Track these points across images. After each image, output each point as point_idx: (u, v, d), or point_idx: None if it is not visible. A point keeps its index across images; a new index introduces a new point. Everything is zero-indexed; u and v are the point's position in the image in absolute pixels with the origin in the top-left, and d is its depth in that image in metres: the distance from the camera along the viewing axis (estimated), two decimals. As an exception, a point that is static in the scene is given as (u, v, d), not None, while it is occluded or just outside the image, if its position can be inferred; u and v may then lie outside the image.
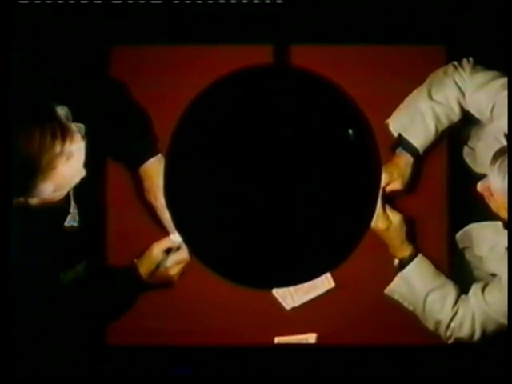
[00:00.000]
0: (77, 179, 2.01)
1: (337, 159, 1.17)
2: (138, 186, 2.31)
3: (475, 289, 2.28)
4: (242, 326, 2.34)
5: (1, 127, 1.93)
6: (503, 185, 2.04)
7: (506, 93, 2.23)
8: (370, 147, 1.21)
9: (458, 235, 2.40)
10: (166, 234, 2.25)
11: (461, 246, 2.40)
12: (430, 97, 2.33)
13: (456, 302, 2.29)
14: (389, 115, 2.38)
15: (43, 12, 2.41)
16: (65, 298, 2.19)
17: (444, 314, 2.29)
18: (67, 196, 2.09)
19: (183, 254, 2.22)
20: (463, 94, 2.32)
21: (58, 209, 2.10)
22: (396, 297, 2.34)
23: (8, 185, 1.92)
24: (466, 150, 2.40)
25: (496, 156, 2.07)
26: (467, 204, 2.33)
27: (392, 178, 2.33)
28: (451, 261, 2.38)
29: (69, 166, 1.93)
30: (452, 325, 2.29)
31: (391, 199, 2.35)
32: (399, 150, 2.35)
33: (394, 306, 2.34)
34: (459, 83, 2.32)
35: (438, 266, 2.35)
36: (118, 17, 2.46)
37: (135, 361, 2.32)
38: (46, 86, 2.14)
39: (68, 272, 2.19)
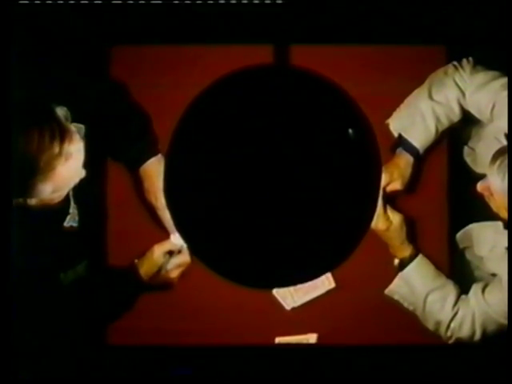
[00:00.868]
0: (76, 180, 2.01)
1: (337, 159, 1.17)
2: (138, 186, 2.31)
3: (475, 289, 2.28)
4: (242, 326, 2.34)
5: (0, 128, 1.93)
6: (503, 185, 2.04)
7: (506, 93, 2.23)
8: (371, 147, 1.21)
9: (459, 235, 2.40)
10: (167, 234, 2.25)
11: (461, 246, 2.40)
12: (431, 97, 2.33)
13: (456, 303, 2.29)
14: (389, 115, 2.38)
15: (43, 12, 2.41)
16: (65, 298, 2.18)
17: (444, 315, 2.29)
18: (67, 196, 2.09)
19: (184, 257, 2.22)
20: (463, 94, 2.32)
21: (58, 209, 2.09)
22: (396, 297, 2.34)
23: (8, 185, 1.92)
24: (466, 150, 2.40)
25: (496, 156, 2.07)
26: (467, 204, 2.33)
27: (392, 178, 2.33)
28: (451, 261, 2.38)
29: (67, 166, 1.93)
30: (452, 325, 2.29)
31: (391, 199, 2.35)
32: (399, 150, 2.35)
33: (394, 307, 2.34)
34: (459, 83, 2.32)
35: (438, 266, 2.35)
36: (118, 17, 2.46)
37: (135, 361, 2.31)
38: (45, 87, 2.14)
39: (68, 272, 2.19)
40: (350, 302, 2.35)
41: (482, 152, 2.30)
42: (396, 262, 2.35)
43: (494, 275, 2.28)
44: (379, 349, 2.32)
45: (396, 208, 2.35)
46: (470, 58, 2.35)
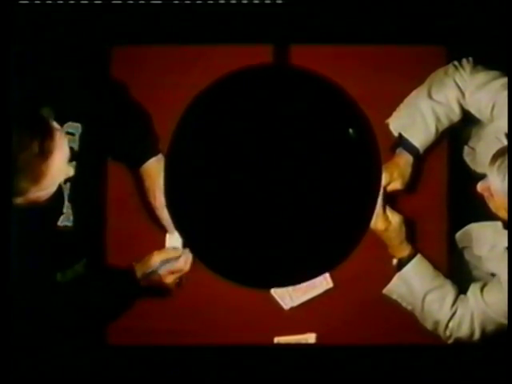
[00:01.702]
0: (61, 177, 2.00)
1: (337, 159, 1.17)
2: (139, 185, 2.31)
3: (474, 288, 2.28)
4: (241, 326, 2.34)
5: (1, 128, 1.93)
6: (503, 185, 2.05)
7: (506, 92, 2.23)
8: (370, 146, 1.21)
9: (458, 235, 2.40)
10: (164, 234, 2.25)
11: (460, 245, 2.40)
12: (430, 96, 2.33)
13: (454, 302, 2.29)
14: (389, 115, 2.38)
15: (43, 12, 2.41)
16: (63, 298, 2.19)
17: (442, 314, 2.29)
18: (61, 196, 2.09)
19: (179, 264, 2.23)
20: (463, 93, 2.32)
21: (51, 209, 2.09)
22: (394, 297, 2.34)
23: (7, 186, 1.92)
24: (466, 149, 2.40)
25: (496, 156, 2.08)
26: (467, 204, 2.33)
27: (392, 178, 2.33)
28: (450, 260, 2.38)
29: (48, 164, 1.92)
30: (451, 325, 2.29)
31: (391, 199, 2.35)
32: (399, 150, 2.35)
33: (393, 306, 2.34)
34: (459, 83, 2.32)
35: (437, 265, 2.35)
36: (118, 17, 2.46)
37: (135, 361, 2.31)
38: (45, 86, 2.14)
39: (67, 272, 2.19)
40: (348, 302, 2.35)
41: (482, 152, 2.30)
42: (394, 261, 2.35)
43: (492, 275, 2.28)
44: (378, 349, 2.33)
45: (396, 207, 2.35)
46: (470, 58, 2.35)
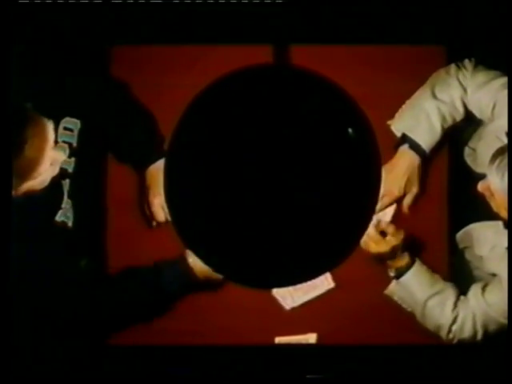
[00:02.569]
0: (49, 163, 1.97)
1: (337, 158, 1.17)
2: (140, 183, 2.31)
3: (475, 289, 2.28)
4: (242, 325, 2.34)
5: (1, 128, 1.92)
6: (502, 184, 2.05)
7: (506, 92, 2.23)
8: (370, 146, 1.21)
9: (459, 235, 2.39)
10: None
11: (461, 245, 2.40)
12: (435, 96, 2.33)
13: (455, 305, 2.28)
14: (389, 115, 2.38)
15: (43, 12, 2.41)
16: (63, 297, 2.18)
17: (444, 319, 2.28)
18: (60, 191, 2.08)
19: None
20: (466, 92, 2.32)
21: (50, 204, 2.09)
22: (396, 298, 2.34)
23: (7, 183, 1.92)
24: (466, 150, 2.40)
25: (495, 155, 2.08)
26: (468, 204, 2.33)
27: (409, 189, 2.33)
28: (451, 261, 2.38)
29: (26, 151, 1.91)
30: (453, 328, 2.28)
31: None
32: (402, 150, 2.34)
33: (394, 306, 2.34)
34: (462, 82, 2.32)
35: (437, 266, 2.35)
36: (118, 17, 2.46)
37: (135, 361, 2.31)
38: (45, 86, 2.14)
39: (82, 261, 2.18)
40: (349, 302, 2.35)
41: (482, 151, 2.30)
42: (391, 273, 2.33)
43: (493, 275, 2.28)
44: (379, 349, 2.32)
45: (396, 207, 2.35)
46: (472, 58, 2.35)
